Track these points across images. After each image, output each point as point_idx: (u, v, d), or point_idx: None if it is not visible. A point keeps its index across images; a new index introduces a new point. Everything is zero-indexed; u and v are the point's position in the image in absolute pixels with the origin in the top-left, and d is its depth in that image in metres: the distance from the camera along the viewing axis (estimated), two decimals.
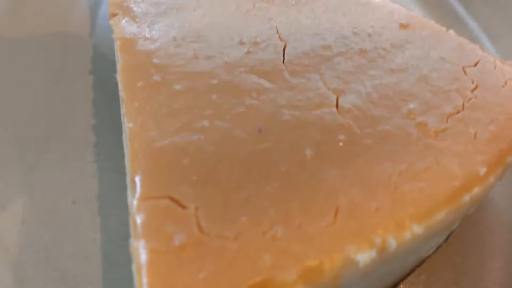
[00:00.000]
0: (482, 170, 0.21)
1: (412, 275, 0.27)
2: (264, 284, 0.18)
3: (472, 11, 0.43)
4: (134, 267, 0.19)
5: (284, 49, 0.26)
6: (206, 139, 0.21)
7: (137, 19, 0.26)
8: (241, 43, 0.26)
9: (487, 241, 0.30)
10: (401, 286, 0.27)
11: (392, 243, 0.19)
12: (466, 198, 0.21)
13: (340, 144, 0.22)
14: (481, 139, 0.23)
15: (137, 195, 0.20)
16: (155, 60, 0.24)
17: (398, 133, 0.22)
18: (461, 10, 0.43)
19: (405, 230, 0.20)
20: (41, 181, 0.31)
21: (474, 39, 0.40)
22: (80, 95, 0.36)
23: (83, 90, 0.36)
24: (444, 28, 0.28)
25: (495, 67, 0.26)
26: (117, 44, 0.25)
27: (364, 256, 0.19)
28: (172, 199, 0.20)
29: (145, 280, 0.18)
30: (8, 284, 0.26)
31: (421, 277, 0.27)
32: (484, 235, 0.30)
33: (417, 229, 0.20)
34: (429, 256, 0.28)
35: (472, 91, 0.25)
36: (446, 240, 0.29)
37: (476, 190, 0.21)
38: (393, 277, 0.26)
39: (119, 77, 0.24)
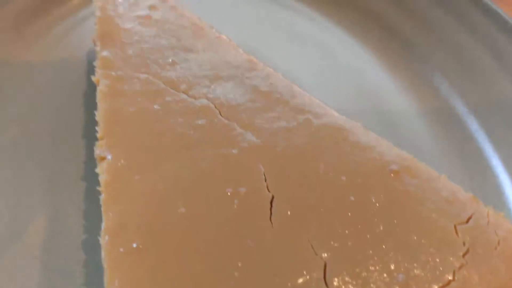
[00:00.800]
0: None
1: None
2: None
3: (486, 127, 0.40)
4: None
5: (271, 202, 0.25)
6: None
7: (127, 168, 0.26)
8: (227, 195, 0.25)
9: None
10: None
11: None
12: None
13: None
14: None
15: None
16: (138, 220, 0.24)
17: None
18: (473, 126, 0.40)
19: None
20: None
21: (484, 159, 0.38)
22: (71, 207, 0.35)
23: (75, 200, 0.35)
24: (436, 173, 0.28)
25: (488, 222, 0.26)
26: (101, 198, 0.25)
27: None
28: None
29: None
30: None
31: None
32: None
33: None
34: None
35: (464, 255, 0.24)
36: None
37: None
38: None
39: (102, 240, 0.24)
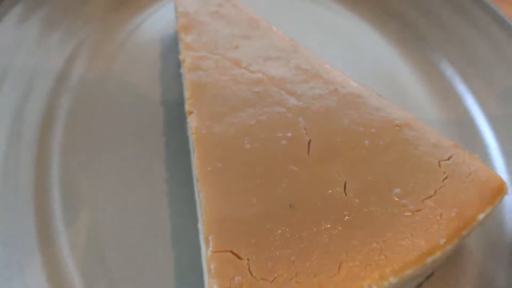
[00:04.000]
0: (442, 241, 0.31)
1: None
2: None
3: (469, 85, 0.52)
4: None
5: (309, 144, 0.36)
6: (254, 213, 0.32)
7: (208, 118, 0.38)
8: (278, 137, 0.37)
9: (460, 281, 0.39)
10: None
11: None
12: (429, 259, 0.31)
13: (346, 218, 0.32)
14: (445, 219, 0.32)
15: (210, 248, 0.31)
16: (219, 151, 0.36)
17: (387, 213, 0.33)
18: (468, 101, 0.51)
19: (384, 280, 0.30)
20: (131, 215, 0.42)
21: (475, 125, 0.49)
22: (154, 154, 0.47)
23: (157, 149, 0.47)
24: (429, 128, 0.38)
25: (464, 160, 0.36)
26: (193, 137, 0.37)
27: None
28: (233, 253, 0.30)
29: None
30: None
31: None
32: (459, 276, 0.39)
33: (393, 279, 0.30)
34: None
35: (443, 180, 0.34)
36: (428, 277, 0.39)
37: (437, 254, 0.31)
38: None
39: (195, 163, 0.35)
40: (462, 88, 0.51)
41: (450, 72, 0.53)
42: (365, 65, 0.53)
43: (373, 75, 0.52)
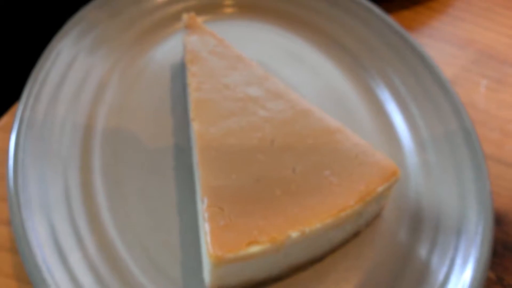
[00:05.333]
0: (352, 202, 0.50)
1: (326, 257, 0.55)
2: (253, 242, 0.46)
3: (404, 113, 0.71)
4: (202, 235, 0.48)
5: (272, 141, 0.55)
6: (234, 184, 0.50)
7: (205, 123, 0.56)
8: (252, 136, 0.55)
9: (376, 240, 0.57)
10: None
11: (307, 230, 0.48)
12: (343, 214, 0.49)
13: (291, 188, 0.50)
14: (355, 189, 0.51)
15: (205, 205, 0.49)
16: (212, 145, 0.54)
17: (319, 185, 0.51)
18: (389, 105, 0.71)
19: (313, 226, 0.48)
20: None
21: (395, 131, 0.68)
22: (165, 149, 0.65)
23: (168, 145, 0.65)
24: (353, 133, 0.57)
25: (373, 154, 0.54)
26: (195, 136, 0.55)
27: (294, 234, 0.47)
28: (219, 207, 0.48)
29: (208, 237, 0.46)
30: None
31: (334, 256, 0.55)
32: (375, 237, 0.57)
33: (319, 225, 0.48)
34: (342, 245, 0.56)
35: (357, 166, 0.53)
36: (355, 237, 0.57)
37: (348, 211, 0.49)
38: (309, 253, 0.53)
39: (196, 153, 0.53)
40: (392, 107, 0.70)
41: (385, 96, 0.71)
42: (321, 88, 0.72)
43: (326, 95, 0.71)
